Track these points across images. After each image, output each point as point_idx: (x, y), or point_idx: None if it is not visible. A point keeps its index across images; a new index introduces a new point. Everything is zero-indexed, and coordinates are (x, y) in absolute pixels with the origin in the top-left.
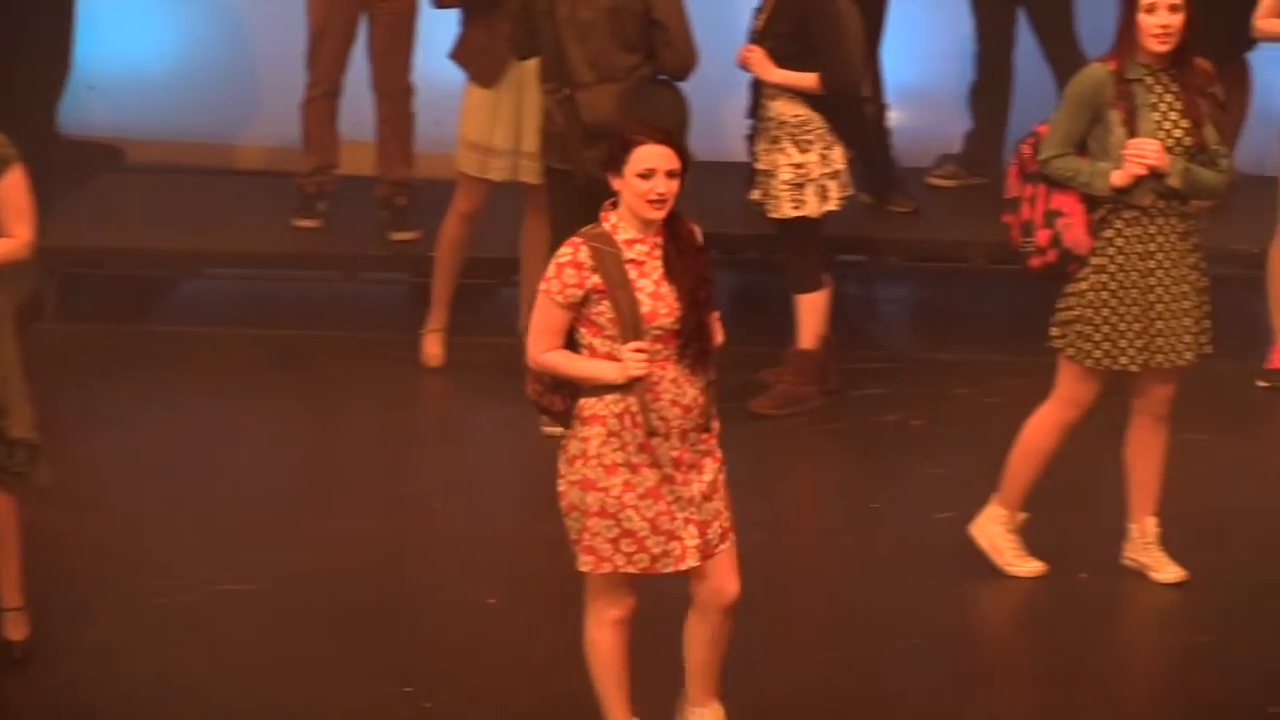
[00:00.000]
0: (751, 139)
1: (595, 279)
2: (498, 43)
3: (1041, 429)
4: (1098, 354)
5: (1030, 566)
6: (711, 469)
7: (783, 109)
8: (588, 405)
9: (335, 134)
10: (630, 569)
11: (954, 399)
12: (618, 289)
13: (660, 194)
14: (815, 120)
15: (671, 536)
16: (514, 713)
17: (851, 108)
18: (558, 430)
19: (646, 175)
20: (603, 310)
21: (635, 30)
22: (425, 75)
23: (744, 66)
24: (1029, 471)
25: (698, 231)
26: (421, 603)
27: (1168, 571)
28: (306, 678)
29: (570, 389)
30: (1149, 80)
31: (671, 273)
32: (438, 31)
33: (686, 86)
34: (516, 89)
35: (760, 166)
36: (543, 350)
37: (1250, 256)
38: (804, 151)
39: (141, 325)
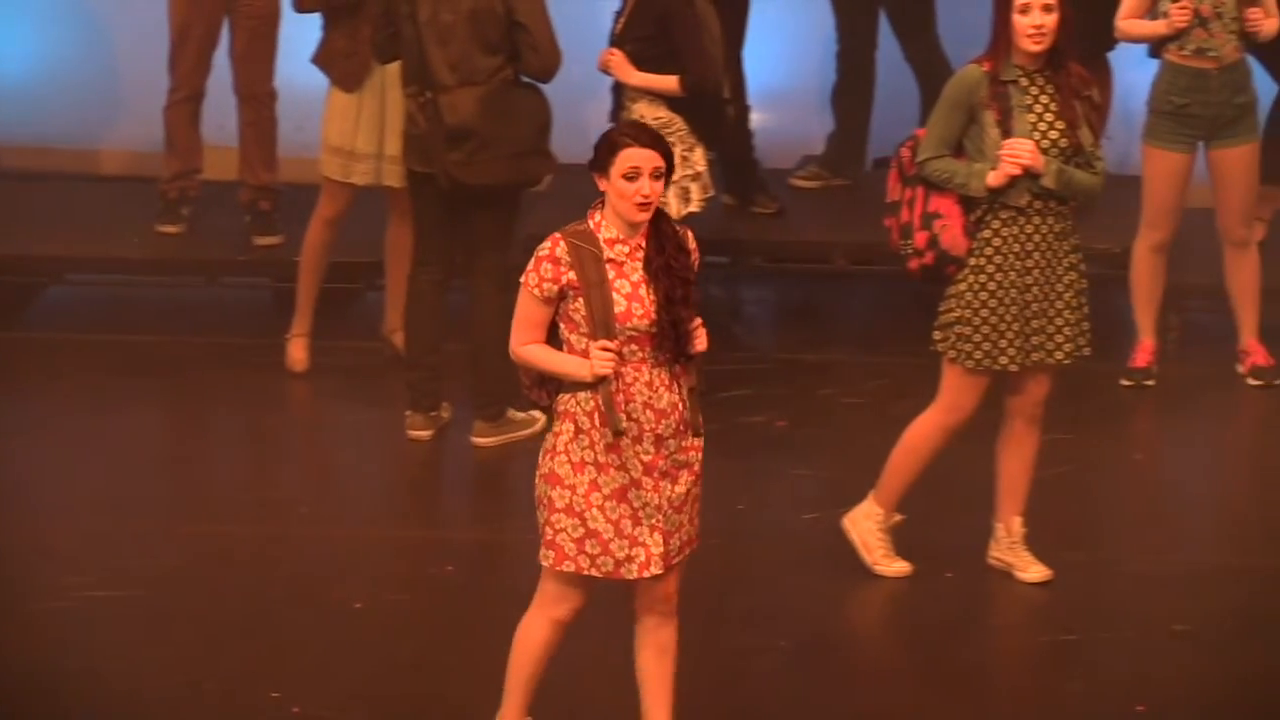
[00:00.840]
0: None
1: (571, 275)
2: (360, 47)
3: (924, 432)
4: (978, 355)
5: (897, 567)
6: (686, 480)
7: (644, 111)
8: (561, 401)
9: (198, 138)
10: (594, 573)
11: (818, 400)
12: (593, 287)
13: (646, 196)
14: (677, 122)
15: (635, 542)
16: (382, 715)
17: (713, 109)
18: (424, 434)
19: (632, 176)
20: (578, 307)
21: (497, 33)
22: (288, 79)
23: (605, 70)
24: (908, 473)
25: (688, 236)
26: (289, 607)
27: (1033, 571)
28: (175, 682)
29: (553, 384)
30: (1024, 81)
31: (650, 273)
32: (300, 35)
33: (549, 89)
34: (379, 93)
35: None
36: (522, 343)
37: (1113, 256)
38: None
39: (4, 332)
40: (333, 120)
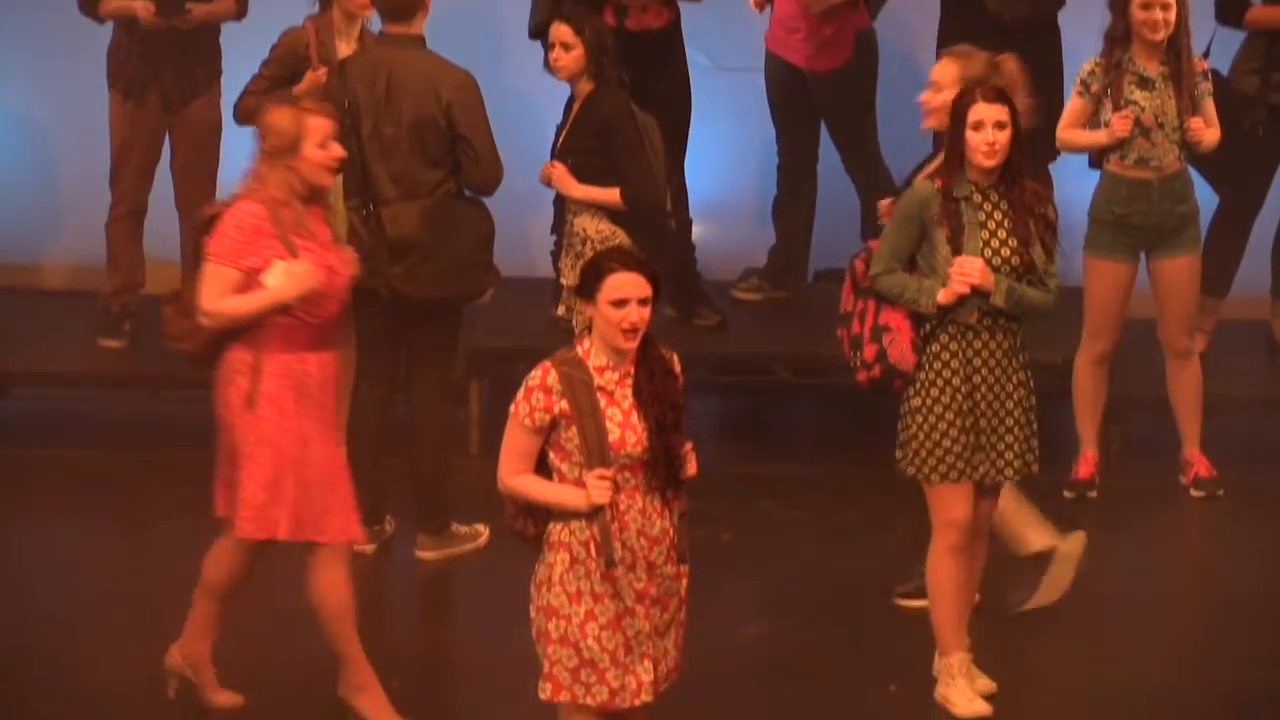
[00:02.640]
0: (556, 254)
1: (563, 404)
2: None
3: (935, 565)
4: (942, 469)
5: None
6: (674, 608)
7: (586, 224)
8: (554, 531)
9: (140, 253)
10: (589, 701)
11: (761, 512)
12: (586, 416)
13: (633, 323)
14: (619, 235)
15: (628, 670)
16: None
17: (655, 222)
18: (367, 548)
19: (619, 303)
20: (570, 436)
21: (439, 146)
22: (230, 193)
23: (547, 182)
24: (950, 611)
25: (674, 359)
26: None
27: (978, 683)
28: None
29: (541, 514)
30: (977, 198)
31: (640, 400)
32: (242, 148)
33: (491, 202)
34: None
35: (565, 282)
36: (512, 474)
37: (1054, 367)
38: None
39: None
40: None
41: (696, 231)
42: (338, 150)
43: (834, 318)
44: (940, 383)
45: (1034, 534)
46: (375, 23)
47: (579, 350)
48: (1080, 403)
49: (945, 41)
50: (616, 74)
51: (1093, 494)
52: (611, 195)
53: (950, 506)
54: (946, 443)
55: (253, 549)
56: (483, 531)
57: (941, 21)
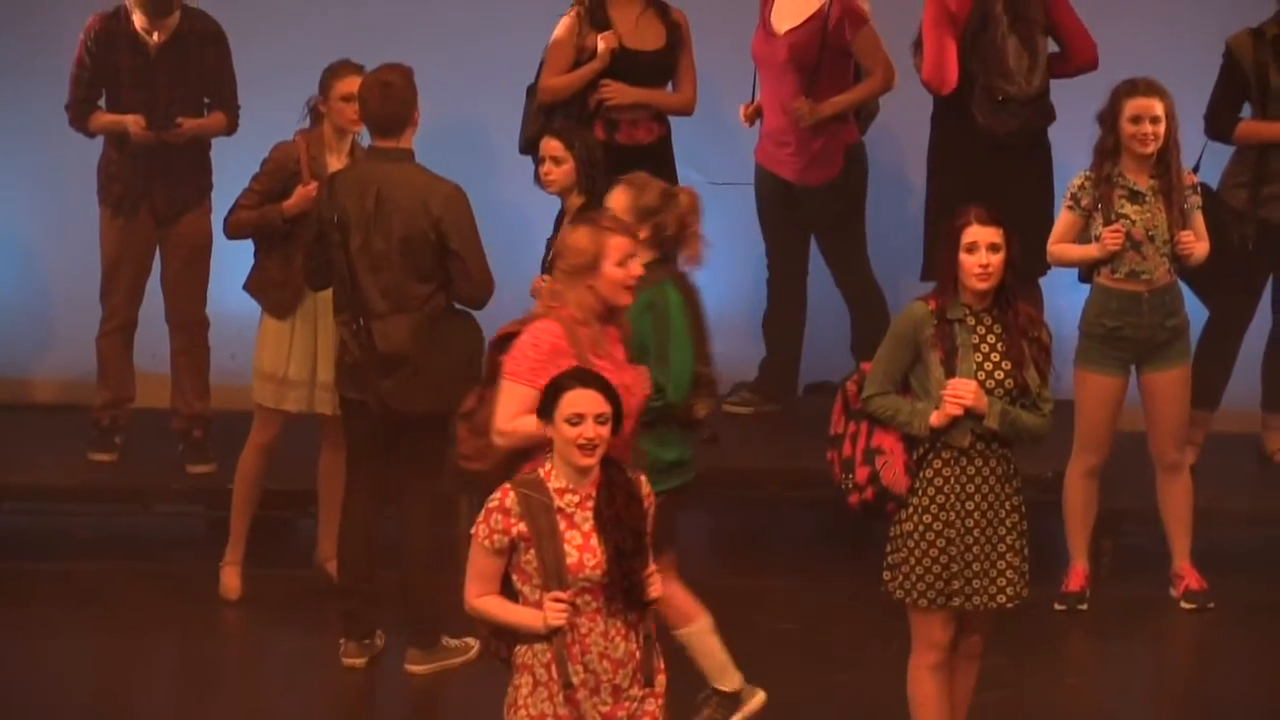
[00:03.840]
0: None
1: (521, 526)
2: (293, 274)
3: (915, 680)
4: (931, 594)
5: None
6: None
7: None
8: (518, 654)
9: (130, 367)
10: None
11: (750, 626)
12: (544, 538)
13: (589, 438)
14: None
15: None
16: None
17: None
18: (358, 662)
19: (575, 420)
20: (530, 559)
21: (429, 260)
22: (220, 306)
23: (537, 296)
24: None
25: (641, 482)
26: None
27: None
28: None
29: (509, 636)
30: (971, 320)
31: (600, 524)
32: (232, 262)
33: (482, 315)
34: (312, 320)
35: None
36: (476, 595)
37: (1045, 480)
38: None
39: None
40: (265, 347)
41: None
42: (637, 269)
43: (824, 431)
44: (934, 508)
45: (732, 672)
46: (365, 137)
47: (540, 472)
48: (1071, 515)
49: (936, 156)
50: (606, 189)
51: (1083, 607)
52: None
53: (934, 629)
54: (937, 569)
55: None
56: (473, 644)
57: (932, 136)
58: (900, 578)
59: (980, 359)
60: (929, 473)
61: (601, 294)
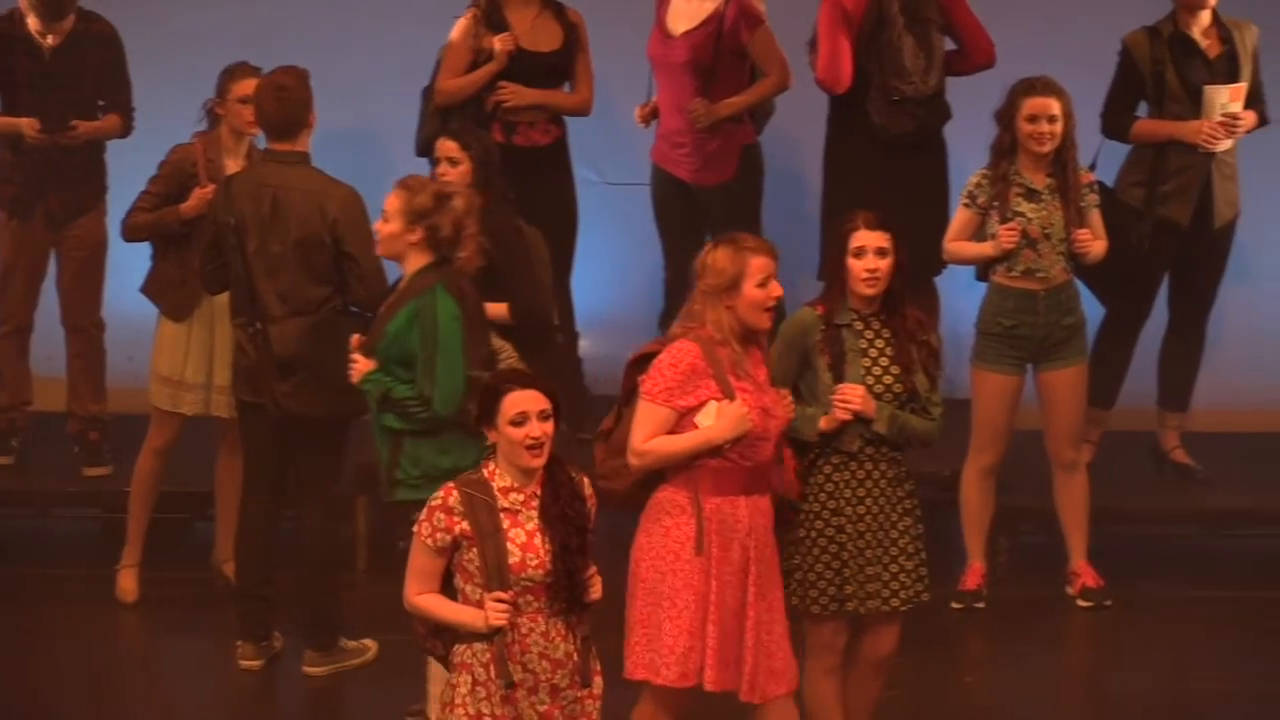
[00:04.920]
0: None
1: (464, 525)
2: (190, 277)
3: (812, 684)
4: (824, 600)
5: None
6: None
7: None
8: (458, 652)
9: (27, 370)
10: None
11: None
12: (486, 537)
13: (535, 438)
14: (507, 349)
15: None
16: None
17: (542, 336)
18: (255, 664)
19: (519, 421)
20: (472, 558)
21: (325, 263)
22: (117, 309)
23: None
24: None
25: (585, 482)
26: None
27: None
28: None
29: (449, 635)
30: (859, 325)
31: (545, 521)
32: (129, 265)
33: None
34: (209, 323)
35: None
36: (416, 593)
37: (943, 479)
38: None
39: None
40: (162, 350)
41: (583, 345)
42: (777, 290)
43: None
44: (826, 514)
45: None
46: (263, 140)
47: (485, 472)
48: (968, 514)
49: (831, 156)
50: (503, 189)
51: (980, 605)
52: (499, 310)
53: (828, 634)
54: (829, 574)
55: (679, 697)
56: (371, 647)
57: (828, 136)
58: (794, 584)
59: (868, 364)
60: (819, 478)
61: (741, 315)
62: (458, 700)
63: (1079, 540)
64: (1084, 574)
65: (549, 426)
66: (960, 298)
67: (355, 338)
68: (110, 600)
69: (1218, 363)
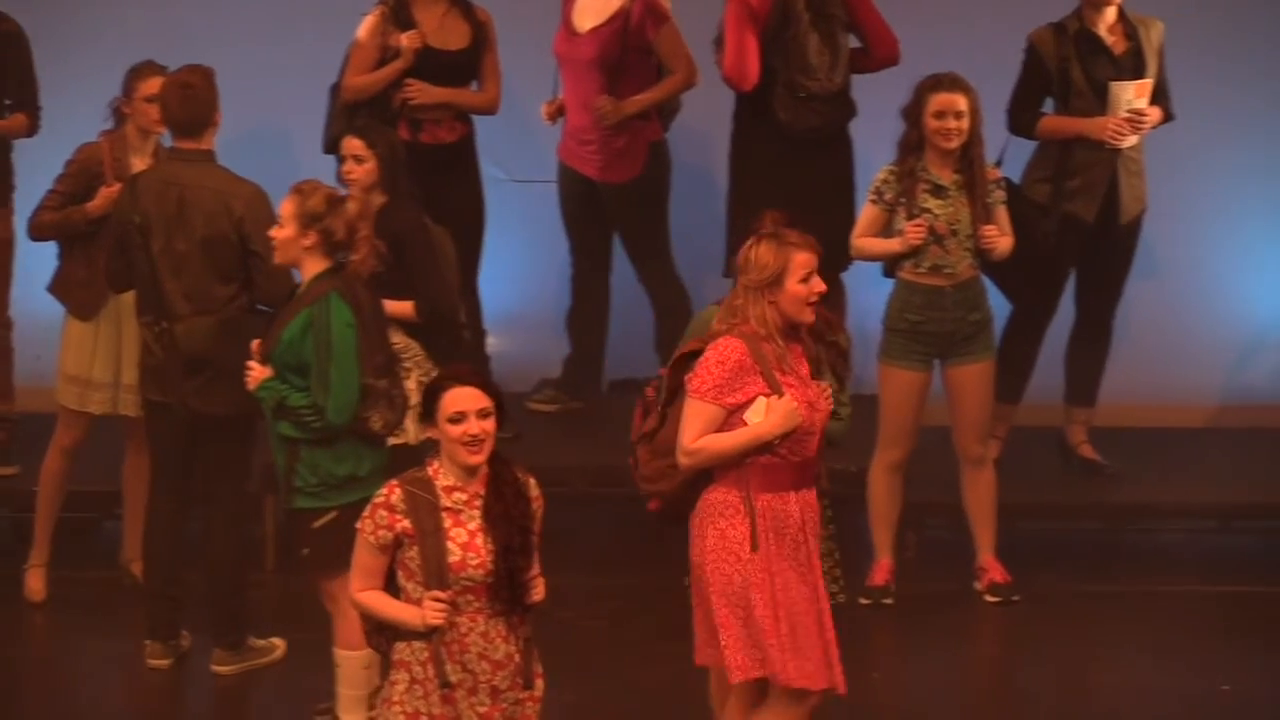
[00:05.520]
0: None
1: (406, 523)
2: (97, 275)
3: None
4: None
5: None
6: None
7: None
8: (397, 649)
9: None
10: None
11: (558, 623)
12: (427, 536)
13: (474, 435)
14: (414, 347)
15: None
16: None
17: (449, 334)
18: (163, 663)
19: (457, 419)
20: (414, 556)
21: (231, 261)
22: (24, 308)
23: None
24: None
25: (530, 483)
26: None
27: None
28: None
29: (392, 631)
30: None
31: (488, 521)
32: (36, 264)
33: None
34: (116, 322)
35: None
36: (359, 590)
37: (850, 475)
38: (403, 378)
39: None
40: (69, 349)
41: (491, 343)
42: (819, 285)
43: (629, 428)
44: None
45: (363, 711)
46: (170, 139)
47: (429, 470)
48: (875, 510)
49: (738, 152)
50: (409, 187)
51: (888, 601)
52: (405, 308)
53: None
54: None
55: (752, 690)
56: (279, 645)
57: (734, 133)
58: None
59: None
60: None
61: (784, 310)
62: (395, 698)
63: (987, 535)
64: (992, 569)
65: (489, 424)
66: (867, 294)
67: (256, 342)
68: (18, 600)
69: (1124, 358)
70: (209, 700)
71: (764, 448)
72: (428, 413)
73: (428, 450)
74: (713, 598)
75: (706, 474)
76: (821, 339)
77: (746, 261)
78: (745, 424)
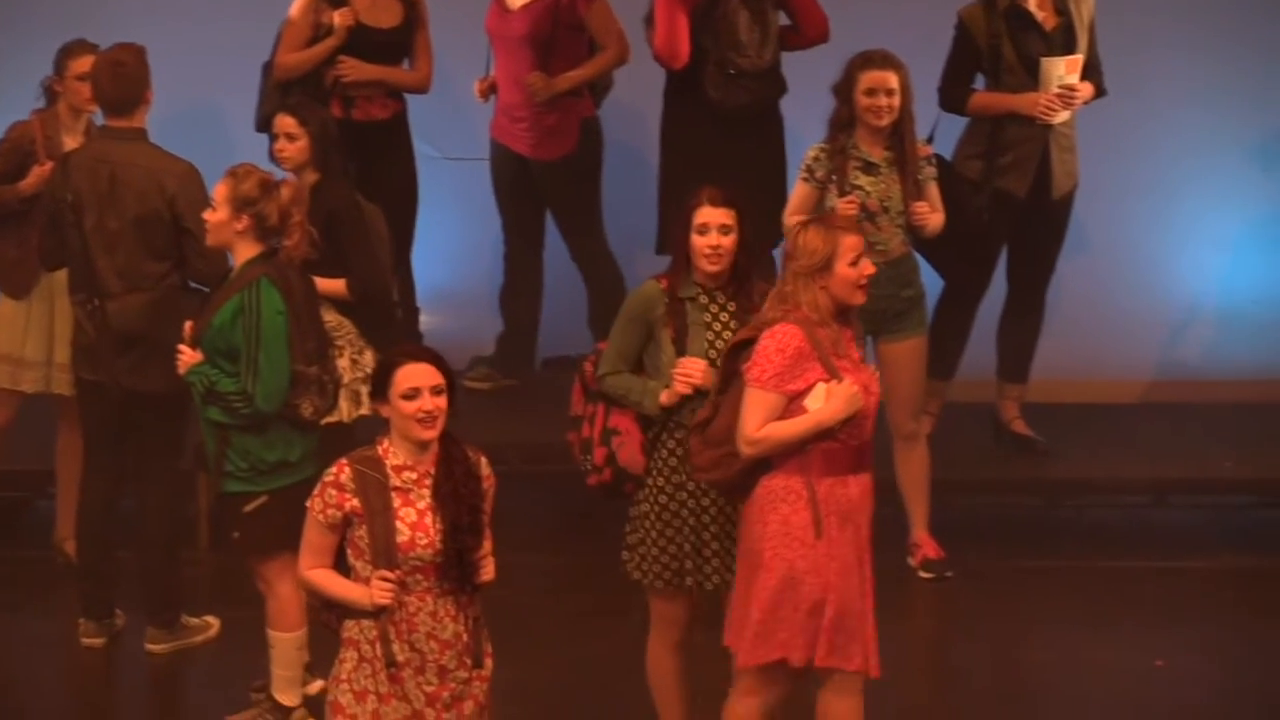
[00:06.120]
0: None
1: (355, 502)
2: (28, 254)
3: (655, 658)
4: (667, 575)
5: None
6: (470, 711)
7: None
8: (346, 628)
9: None
10: None
11: (489, 600)
12: (375, 515)
13: (428, 411)
14: (346, 325)
15: None
16: None
17: (382, 312)
18: (97, 641)
19: (411, 395)
20: (363, 535)
21: (163, 239)
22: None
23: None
24: (671, 702)
25: (481, 461)
26: None
27: None
28: None
29: (341, 609)
30: (704, 299)
31: (438, 499)
32: None
33: None
34: (48, 300)
35: None
36: (307, 568)
37: None
38: (335, 357)
39: None
40: (1, 328)
41: (424, 321)
42: (869, 268)
43: (563, 405)
44: (669, 489)
45: (296, 691)
46: (102, 117)
47: (379, 449)
48: None
49: (669, 130)
50: (342, 165)
51: None
52: (338, 286)
53: (669, 609)
54: (672, 549)
55: (787, 678)
56: (213, 623)
57: (664, 110)
58: (637, 559)
59: (712, 337)
60: (663, 453)
61: (835, 294)
62: (343, 675)
63: (920, 511)
64: (925, 545)
65: (442, 401)
66: None
67: (188, 325)
68: None
69: (1057, 334)
70: (143, 679)
71: (825, 434)
72: (380, 389)
73: (362, 429)
74: (766, 582)
75: (764, 461)
76: (758, 310)
77: (795, 248)
78: (805, 411)
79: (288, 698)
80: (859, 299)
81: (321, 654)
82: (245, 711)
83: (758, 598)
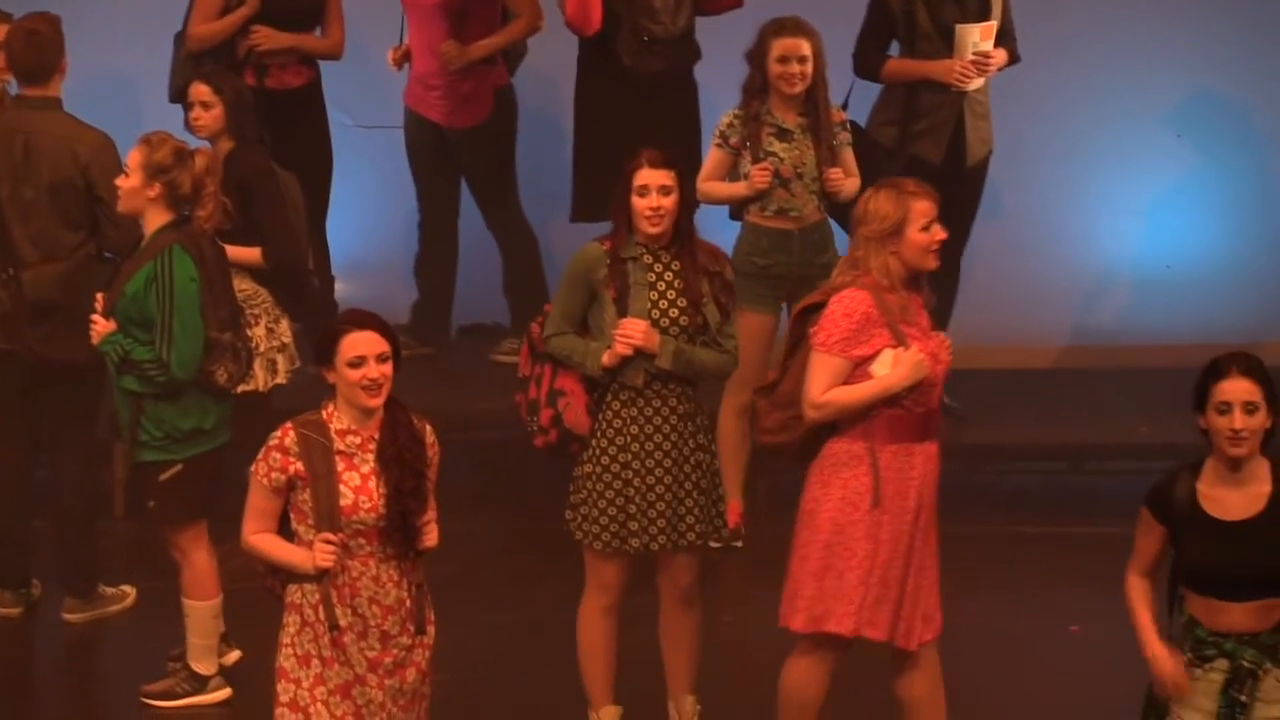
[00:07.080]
0: None
1: (298, 465)
2: None
3: (586, 621)
4: (606, 536)
5: None
6: (413, 678)
7: None
8: (290, 592)
9: None
10: None
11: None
12: (319, 479)
13: (373, 379)
14: (262, 294)
15: None
16: None
17: (297, 281)
18: (13, 611)
19: (356, 363)
20: (306, 499)
21: (78, 208)
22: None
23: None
24: (598, 666)
25: (426, 428)
26: None
27: None
28: None
29: (285, 574)
30: (647, 259)
31: (382, 463)
32: None
33: None
34: None
35: None
36: (251, 532)
37: None
38: (251, 325)
39: None
40: None
41: (339, 289)
42: (940, 233)
43: (478, 373)
44: (614, 450)
45: (212, 660)
46: (16, 86)
47: (323, 413)
48: (725, 453)
49: (583, 96)
50: (256, 132)
51: (739, 544)
52: (253, 254)
53: (606, 571)
54: (613, 510)
55: (842, 647)
56: (129, 593)
57: (579, 77)
58: (579, 519)
59: (655, 297)
60: (609, 414)
61: (906, 259)
62: (286, 640)
63: None
64: None
65: (387, 368)
66: (714, 237)
67: (100, 296)
68: None
69: (972, 300)
70: (60, 648)
71: (890, 400)
72: (326, 356)
73: (278, 397)
74: (817, 545)
75: (829, 425)
76: (705, 271)
77: (865, 213)
78: (872, 376)
79: (204, 666)
80: (931, 264)
81: (252, 624)
82: (162, 680)
83: (810, 561)
